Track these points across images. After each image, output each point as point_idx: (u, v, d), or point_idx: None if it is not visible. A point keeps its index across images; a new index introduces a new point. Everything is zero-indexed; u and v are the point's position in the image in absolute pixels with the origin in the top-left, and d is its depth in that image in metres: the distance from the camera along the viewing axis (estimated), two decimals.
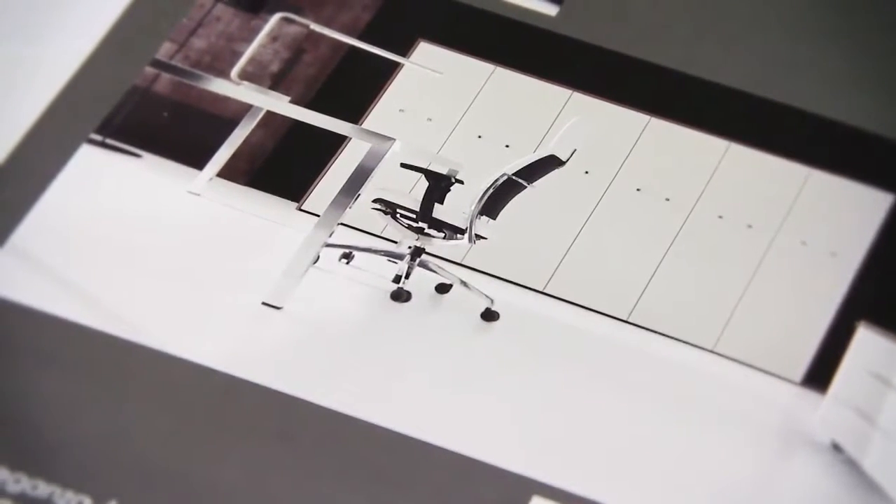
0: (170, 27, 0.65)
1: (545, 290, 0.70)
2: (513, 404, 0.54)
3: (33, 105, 0.60)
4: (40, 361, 0.56)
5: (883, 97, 0.72)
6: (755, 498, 0.53)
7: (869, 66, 0.70)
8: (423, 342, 0.57)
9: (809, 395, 0.58)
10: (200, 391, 0.56)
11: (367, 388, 0.55)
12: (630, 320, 0.66)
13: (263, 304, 0.59)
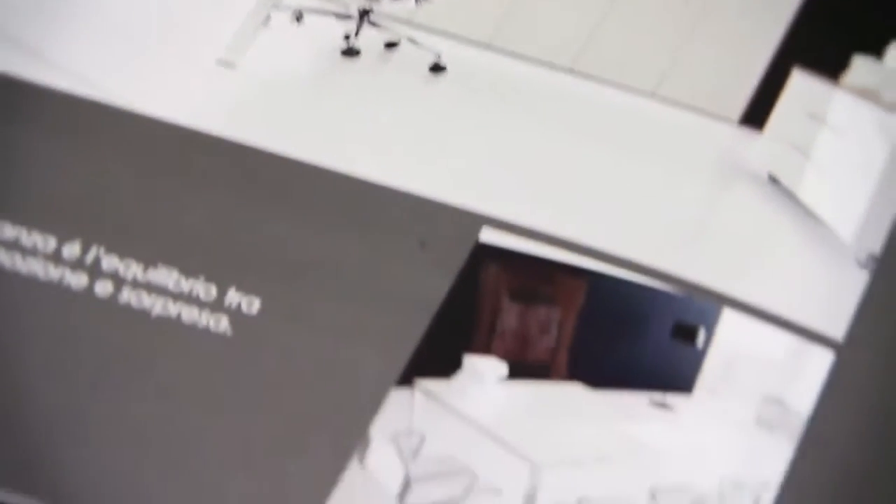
0: None
1: (491, 43, 0.69)
2: (463, 147, 0.55)
3: None
4: (3, 117, 0.55)
5: None
6: (698, 223, 0.54)
7: None
8: (375, 94, 0.57)
9: (747, 133, 0.59)
10: (160, 144, 0.55)
11: (324, 136, 0.55)
12: (574, 68, 0.66)
13: (218, 61, 0.58)
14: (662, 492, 0.42)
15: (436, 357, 0.47)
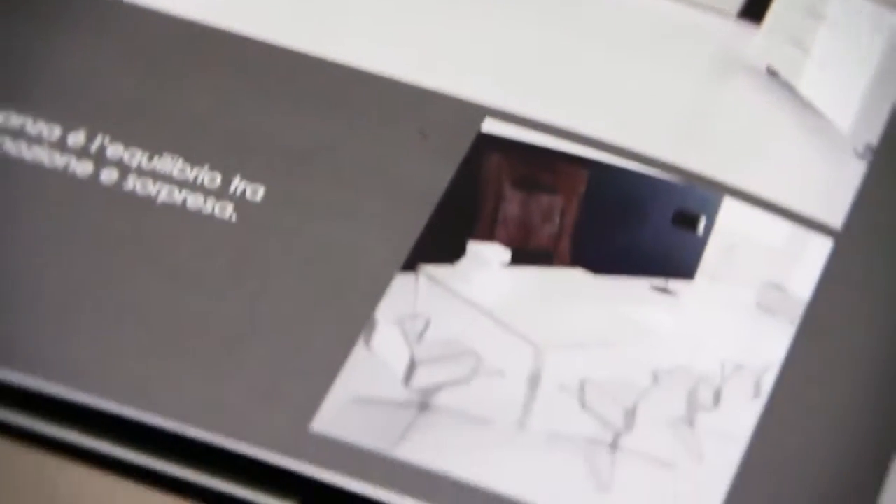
0: None
1: None
2: (464, 38, 0.53)
3: None
4: (9, 10, 0.54)
5: None
6: (698, 115, 0.52)
7: None
8: None
9: (746, 27, 0.58)
10: (165, 36, 0.54)
11: (326, 28, 0.54)
12: None
13: None
14: (664, 374, 0.42)
15: (440, 244, 0.46)
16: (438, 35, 0.54)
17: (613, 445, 0.40)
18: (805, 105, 0.52)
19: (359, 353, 0.42)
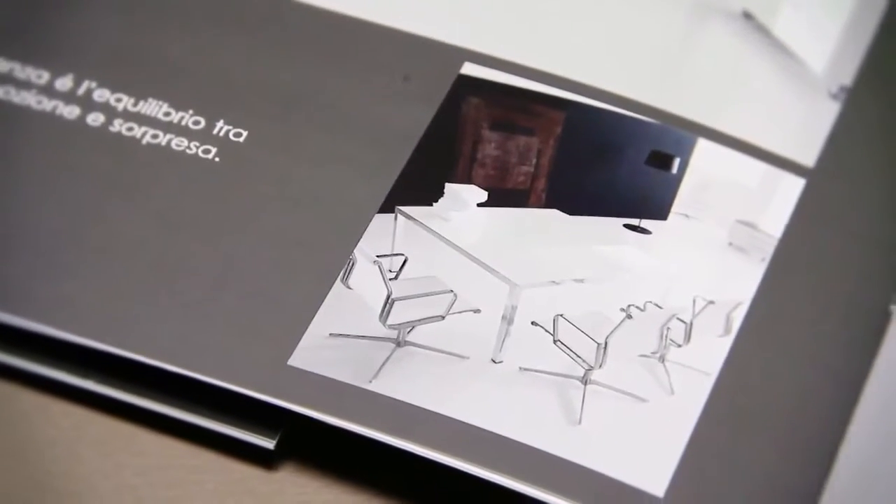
0: None
1: None
2: None
3: None
4: None
5: None
6: (674, 57, 0.50)
7: None
8: None
9: None
10: None
11: None
12: None
13: None
14: (637, 310, 0.40)
15: (419, 185, 0.44)
16: None
17: (585, 380, 0.39)
18: (780, 47, 0.50)
19: (337, 291, 0.41)
